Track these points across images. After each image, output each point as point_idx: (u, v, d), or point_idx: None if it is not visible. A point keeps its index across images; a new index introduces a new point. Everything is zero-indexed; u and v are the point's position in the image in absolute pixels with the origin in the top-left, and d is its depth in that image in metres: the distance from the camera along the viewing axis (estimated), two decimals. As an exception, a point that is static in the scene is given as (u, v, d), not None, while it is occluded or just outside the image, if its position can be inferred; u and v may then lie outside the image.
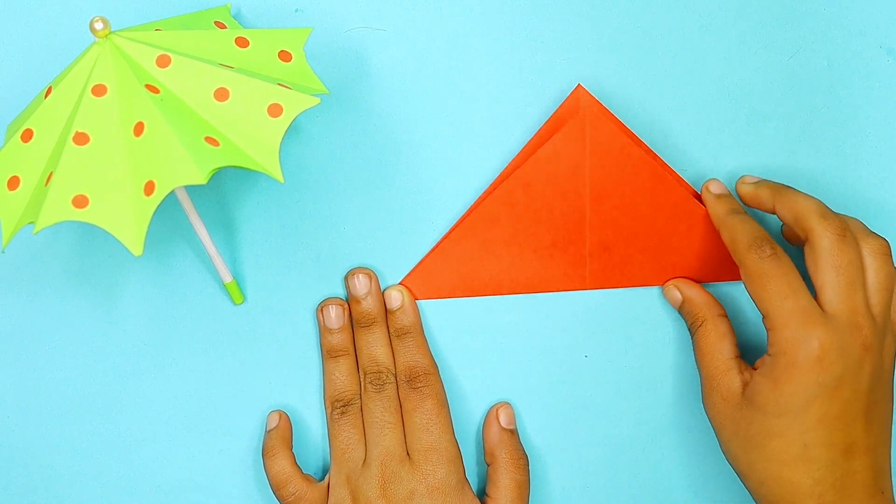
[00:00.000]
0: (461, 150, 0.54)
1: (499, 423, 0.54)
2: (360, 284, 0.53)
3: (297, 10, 0.53)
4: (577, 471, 0.55)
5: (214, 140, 0.44)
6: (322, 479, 0.53)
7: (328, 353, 0.53)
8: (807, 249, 0.48)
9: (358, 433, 0.52)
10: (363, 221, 0.54)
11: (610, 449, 0.55)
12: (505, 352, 0.55)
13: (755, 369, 0.49)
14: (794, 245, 0.54)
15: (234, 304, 0.54)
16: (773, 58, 0.54)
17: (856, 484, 0.47)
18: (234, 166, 0.44)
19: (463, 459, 0.52)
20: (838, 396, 0.46)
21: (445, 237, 0.53)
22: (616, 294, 0.54)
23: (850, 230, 0.48)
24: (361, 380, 0.53)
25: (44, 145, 0.46)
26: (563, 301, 0.54)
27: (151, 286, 0.54)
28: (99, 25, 0.45)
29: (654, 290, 0.54)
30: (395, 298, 0.53)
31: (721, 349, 0.50)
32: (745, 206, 0.52)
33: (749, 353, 0.53)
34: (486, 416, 0.54)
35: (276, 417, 0.53)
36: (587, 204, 0.52)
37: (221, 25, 0.49)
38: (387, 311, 0.54)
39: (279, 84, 0.46)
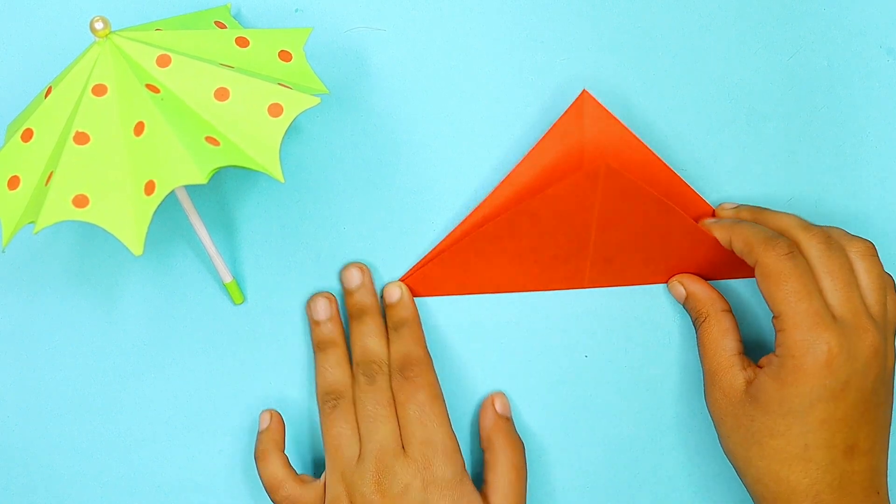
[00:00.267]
0: (461, 150, 0.54)
1: (494, 409, 0.54)
2: (353, 277, 0.53)
3: (297, 10, 0.53)
4: (577, 471, 0.55)
5: (215, 140, 0.44)
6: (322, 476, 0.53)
7: (317, 346, 0.53)
8: None
9: (350, 427, 0.51)
10: (363, 221, 0.54)
11: (610, 449, 0.55)
12: (505, 351, 0.55)
13: (759, 367, 0.49)
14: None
15: (234, 304, 0.54)
16: (773, 58, 0.54)
17: (853, 484, 0.47)
18: (235, 166, 0.44)
19: (461, 453, 0.51)
20: (844, 399, 0.46)
21: (445, 249, 0.53)
22: (616, 294, 0.54)
23: (833, 237, 0.49)
24: (354, 372, 0.52)
25: (44, 145, 0.46)
26: (563, 301, 0.54)
27: (151, 286, 0.54)
28: (99, 25, 0.45)
29: (654, 290, 0.54)
30: (394, 293, 0.53)
31: (724, 345, 0.50)
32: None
33: (754, 351, 0.53)
34: (482, 403, 0.54)
35: (266, 418, 0.53)
36: (593, 234, 0.52)
37: (221, 25, 0.49)
38: (386, 307, 0.53)
39: (279, 84, 0.46)
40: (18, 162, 0.46)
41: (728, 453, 0.50)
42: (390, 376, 0.52)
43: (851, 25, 0.54)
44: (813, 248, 0.48)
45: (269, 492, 0.52)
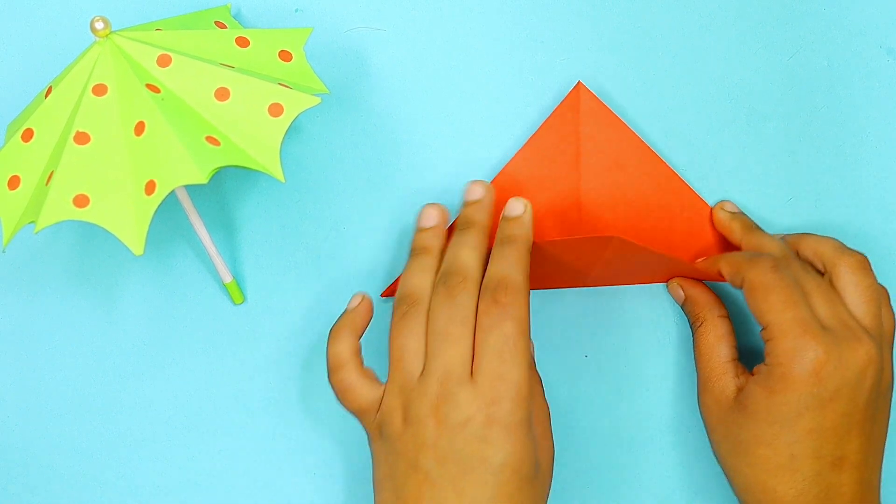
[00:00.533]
0: (461, 150, 0.54)
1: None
2: (475, 191, 0.50)
3: (297, 10, 0.53)
4: (577, 471, 0.55)
5: (215, 139, 0.44)
6: None
7: (412, 252, 0.49)
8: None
9: (417, 339, 0.46)
10: (363, 221, 0.54)
11: (610, 449, 0.55)
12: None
13: (752, 375, 0.48)
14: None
15: (234, 304, 0.54)
16: (773, 58, 0.54)
17: (841, 497, 0.46)
18: (235, 166, 0.44)
19: (532, 402, 0.46)
20: (833, 409, 0.46)
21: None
22: (616, 294, 0.54)
23: (823, 251, 0.49)
24: (436, 283, 0.47)
25: (44, 145, 0.46)
26: (563, 300, 0.54)
27: (151, 286, 0.54)
28: (99, 25, 0.45)
29: (654, 290, 0.54)
30: (517, 207, 0.49)
31: (718, 351, 0.50)
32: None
33: (751, 358, 0.53)
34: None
35: (357, 300, 0.50)
36: (581, 193, 0.52)
37: (222, 25, 0.49)
38: (501, 219, 0.49)
39: (279, 84, 0.46)
40: (19, 162, 0.46)
41: (719, 460, 0.50)
42: (478, 296, 0.46)
43: (851, 25, 0.54)
44: (792, 266, 0.49)
45: (329, 370, 0.48)
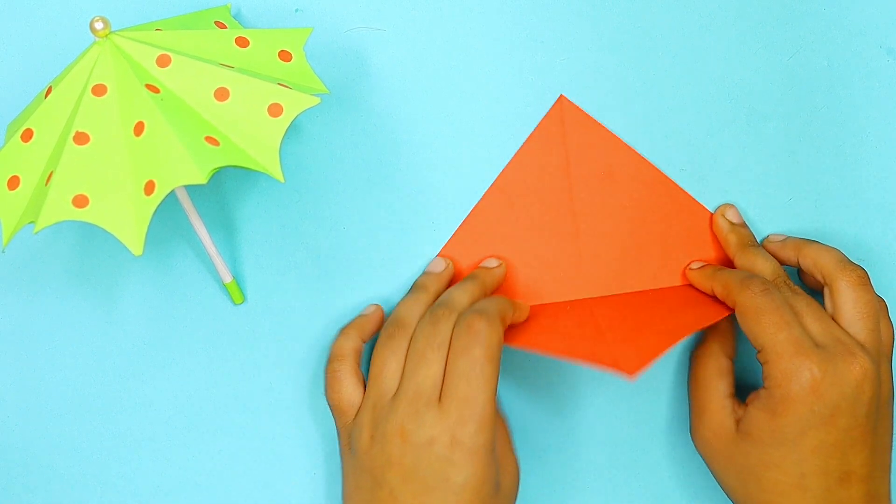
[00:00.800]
0: (461, 150, 0.54)
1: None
2: (491, 261, 0.53)
3: (297, 10, 0.53)
4: (577, 471, 0.55)
5: (215, 140, 0.44)
6: None
7: (412, 289, 0.52)
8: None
9: (397, 361, 0.48)
10: (363, 221, 0.54)
11: (610, 449, 0.55)
12: (505, 351, 0.54)
13: (747, 405, 0.49)
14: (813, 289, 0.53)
15: (234, 304, 0.54)
16: (773, 58, 0.54)
17: None
18: (235, 166, 0.44)
19: (494, 427, 0.47)
20: (834, 425, 0.46)
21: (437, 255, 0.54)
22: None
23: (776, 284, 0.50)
24: (425, 314, 0.50)
25: (44, 145, 0.46)
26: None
27: (151, 286, 0.54)
28: (99, 25, 0.45)
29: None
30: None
31: (717, 386, 0.51)
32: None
33: (749, 374, 0.53)
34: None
35: (371, 308, 0.53)
36: (574, 204, 0.53)
37: (221, 25, 0.49)
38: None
39: (279, 84, 0.46)
40: (18, 162, 0.46)
41: (726, 490, 0.50)
42: (455, 323, 0.48)
43: (851, 25, 0.54)
44: (782, 287, 0.49)
45: (328, 360, 0.51)
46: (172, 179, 0.43)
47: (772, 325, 0.47)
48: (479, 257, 0.53)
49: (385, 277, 0.54)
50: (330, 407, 0.51)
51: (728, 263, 0.53)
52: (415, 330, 0.49)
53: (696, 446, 0.51)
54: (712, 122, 0.54)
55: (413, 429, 0.46)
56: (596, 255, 0.53)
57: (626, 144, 0.53)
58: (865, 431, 0.47)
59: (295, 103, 0.45)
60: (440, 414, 0.46)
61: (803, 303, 0.49)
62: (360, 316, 0.52)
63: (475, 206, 0.53)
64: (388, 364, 0.48)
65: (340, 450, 0.51)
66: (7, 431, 0.54)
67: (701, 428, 0.51)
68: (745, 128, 0.54)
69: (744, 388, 0.51)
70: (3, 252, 0.52)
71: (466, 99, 0.54)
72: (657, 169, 0.53)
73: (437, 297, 0.51)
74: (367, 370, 0.50)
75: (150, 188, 0.44)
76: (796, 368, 0.46)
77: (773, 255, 0.52)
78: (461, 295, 0.50)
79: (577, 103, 0.53)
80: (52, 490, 0.54)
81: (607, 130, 0.53)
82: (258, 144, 0.45)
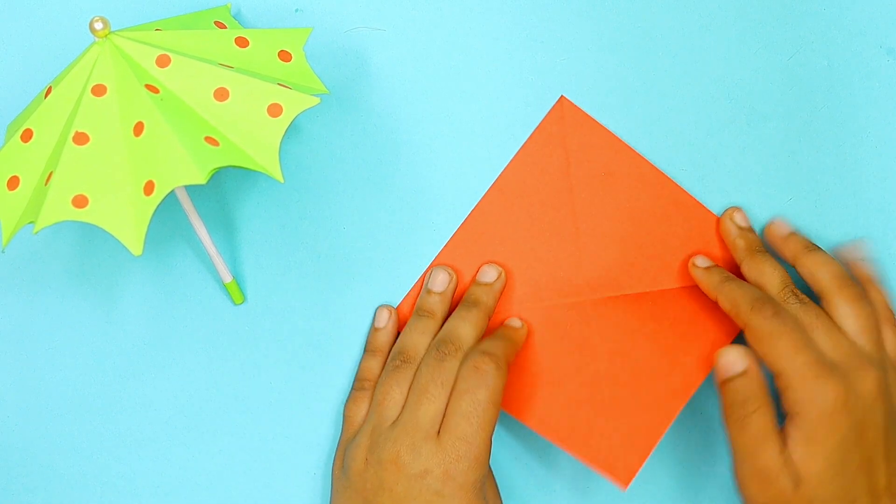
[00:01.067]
0: (461, 150, 0.54)
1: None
2: (489, 273, 0.53)
3: (297, 10, 0.53)
4: (577, 471, 0.55)
5: (214, 140, 0.44)
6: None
7: (417, 311, 0.52)
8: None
9: (401, 392, 0.50)
10: (363, 221, 0.54)
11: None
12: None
13: (787, 445, 0.47)
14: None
15: (234, 304, 0.54)
16: (773, 58, 0.54)
17: None
18: (234, 166, 0.44)
19: (487, 469, 0.50)
20: (865, 439, 0.47)
21: (437, 257, 0.54)
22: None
23: (827, 282, 0.49)
24: (430, 346, 0.51)
25: (44, 145, 0.46)
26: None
27: (151, 286, 0.54)
28: (99, 25, 0.45)
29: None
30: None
31: (768, 447, 0.47)
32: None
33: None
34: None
35: (385, 316, 0.53)
36: (575, 204, 0.53)
37: (221, 25, 0.49)
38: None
39: (279, 84, 0.46)
40: (18, 162, 0.46)
41: None
42: (462, 362, 0.50)
43: (851, 25, 0.54)
44: (789, 308, 0.49)
45: (358, 377, 0.53)
46: (172, 179, 0.43)
47: (788, 349, 0.47)
48: (479, 259, 0.53)
49: (385, 277, 0.54)
50: (344, 417, 0.53)
51: (732, 265, 0.53)
52: (421, 361, 0.50)
53: (739, 493, 0.49)
54: (712, 122, 0.54)
55: (409, 459, 0.48)
56: (596, 256, 0.53)
57: (626, 145, 0.53)
58: (886, 445, 0.47)
59: (295, 103, 0.45)
60: (437, 448, 0.48)
61: (812, 315, 0.49)
62: (378, 331, 0.53)
63: (475, 207, 0.53)
64: (392, 393, 0.50)
65: (333, 469, 0.52)
66: (7, 431, 0.54)
67: (750, 483, 0.48)
68: (745, 128, 0.54)
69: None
70: (3, 252, 0.52)
71: (466, 99, 0.54)
72: (658, 169, 0.53)
73: (444, 320, 0.52)
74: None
75: (149, 188, 0.44)
76: (821, 390, 0.46)
77: (774, 247, 0.52)
78: (467, 329, 0.51)
79: (577, 103, 0.53)
80: (52, 490, 0.54)
81: (608, 131, 0.53)
82: (258, 144, 0.45)
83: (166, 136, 0.44)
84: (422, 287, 0.53)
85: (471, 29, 0.54)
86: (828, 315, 0.49)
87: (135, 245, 0.44)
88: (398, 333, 0.53)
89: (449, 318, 0.52)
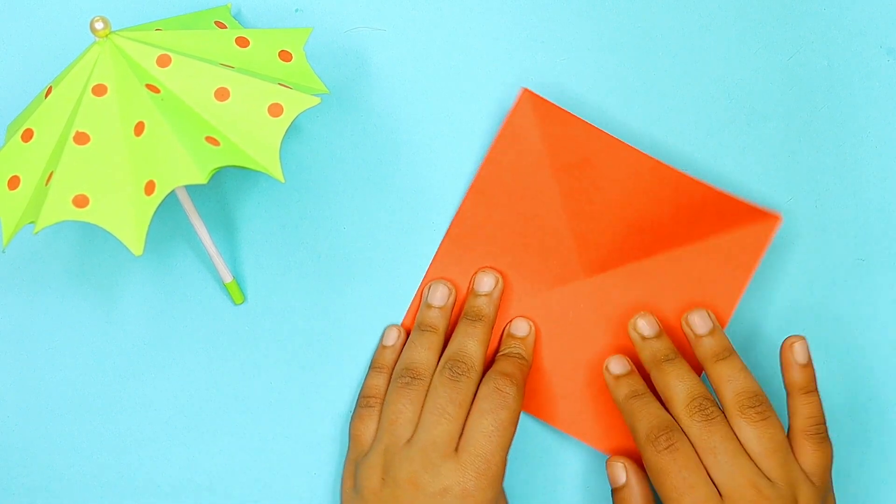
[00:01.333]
0: (461, 150, 0.54)
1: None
2: (485, 282, 0.53)
3: (297, 10, 0.53)
4: (577, 470, 0.55)
5: (215, 140, 0.44)
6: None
7: (418, 326, 0.52)
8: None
9: (413, 410, 0.50)
10: (363, 221, 0.54)
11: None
12: (505, 352, 0.55)
13: None
14: None
15: (234, 304, 0.54)
16: (773, 58, 0.54)
17: None
18: (235, 166, 0.44)
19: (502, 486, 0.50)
20: None
21: (429, 267, 0.54)
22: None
23: (736, 400, 0.48)
24: (440, 364, 0.51)
25: (44, 145, 0.46)
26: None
27: (151, 286, 0.54)
28: (99, 25, 0.45)
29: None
30: (522, 328, 0.53)
31: None
32: None
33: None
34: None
35: (394, 335, 0.53)
36: (559, 193, 0.53)
37: (222, 25, 0.49)
38: (507, 334, 0.53)
39: (279, 84, 0.46)
40: (18, 162, 0.46)
41: None
42: (478, 382, 0.50)
43: (851, 25, 0.54)
44: (693, 426, 0.48)
45: (363, 394, 0.53)
46: (172, 179, 0.43)
47: (674, 489, 0.47)
48: (472, 264, 0.53)
49: (385, 277, 0.54)
50: (351, 436, 0.52)
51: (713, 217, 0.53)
52: (433, 381, 0.50)
53: None
54: (712, 122, 0.54)
55: (428, 479, 0.48)
56: (588, 237, 0.53)
57: (597, 129, 0.52)
58: None
59: (295, 103, 0.45)
60: (457, 466, 0.48)
61: (717, 437, 0.47)
62: (386, 349, 0.53)
63: (456, 214, 0.53)
64: (404, 412, 0.50)
65: (342, 488, 0.52)
66: (7, 431, 0.54)
67: None
68: (745, 128, 0.54)
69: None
70: (3, 252, 0.52)
71: (466, 99, 0.54)
72: (632, 147, 0.52)
73: (446, 332, 0.52)
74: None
75: (150, 188, 0.44)
76: None
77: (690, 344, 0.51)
78: (475, 347, 0.51)
79: (577, 103, 0.53)
80: (52, 490, 0.54)
81: (576, 117, 0.52)
82: (258, 144, 0.45)
83: (167, 136, 0.44)
84: (421, 300, 0.53)
85: (471, 29, 0.54)
86: (733, 437, 0.48)
87: (135, 245, 0.44)
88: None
89: (454, 335, 0.52)
